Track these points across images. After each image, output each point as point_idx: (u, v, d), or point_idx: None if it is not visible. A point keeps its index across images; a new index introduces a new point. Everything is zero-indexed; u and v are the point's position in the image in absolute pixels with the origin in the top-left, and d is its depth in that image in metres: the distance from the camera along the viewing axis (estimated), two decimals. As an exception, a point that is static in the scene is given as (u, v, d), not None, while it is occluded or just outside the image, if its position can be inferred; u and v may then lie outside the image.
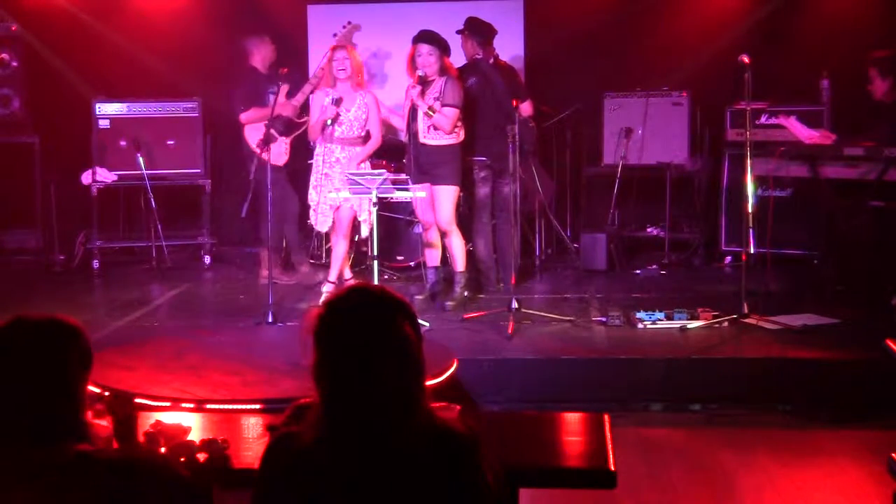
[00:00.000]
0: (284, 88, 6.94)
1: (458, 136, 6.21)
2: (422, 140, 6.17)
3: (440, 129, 6.10)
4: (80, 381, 2.11)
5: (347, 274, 6.51)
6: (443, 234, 6.29)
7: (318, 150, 6.38)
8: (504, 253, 6.79)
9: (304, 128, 7.01)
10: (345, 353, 1.93)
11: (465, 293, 6.32)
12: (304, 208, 7.91)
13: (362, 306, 1.97)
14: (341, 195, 6.05)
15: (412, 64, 6.15)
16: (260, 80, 7.28)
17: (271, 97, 7.05)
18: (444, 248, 6.41)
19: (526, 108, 6.87)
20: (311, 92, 6.80)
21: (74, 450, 1.98)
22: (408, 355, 1.95)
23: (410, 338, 1.95)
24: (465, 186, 6.57)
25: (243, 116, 7.16)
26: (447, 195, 6.18)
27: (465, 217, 6.74)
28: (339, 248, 6.33)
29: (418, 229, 7.05)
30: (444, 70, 6.15)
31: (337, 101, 6.20)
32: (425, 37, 6.15)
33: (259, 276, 7.21)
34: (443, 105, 6.06)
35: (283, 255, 7.47)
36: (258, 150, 6.76)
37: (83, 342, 2.13)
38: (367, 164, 6.42)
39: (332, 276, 6.34)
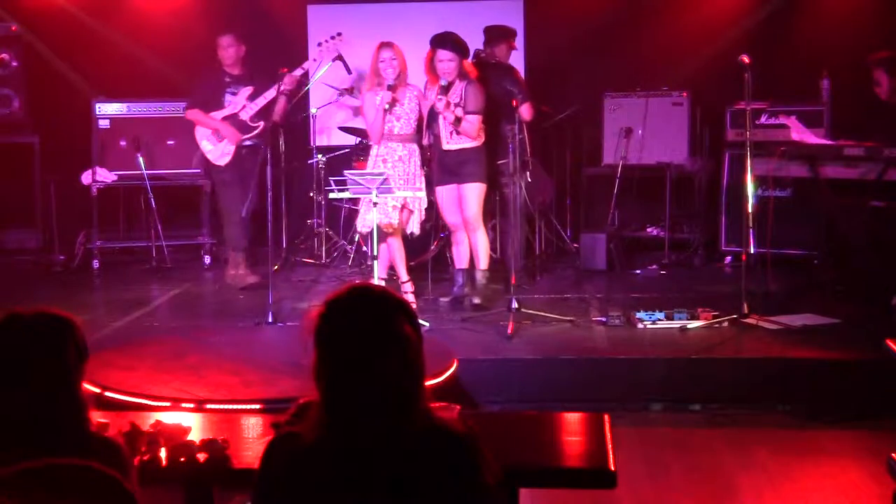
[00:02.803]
0: (246, 91, 6.89)
1: (481, 137, 6.18)
2: (445, 147, 6.13)
3: (466, 135, 6.07)
4: (78, 374, 2.10)
5: (405, 276, 6.33)
6: (469, 232, 6.27)
7: (375, 151, 6.21)
8: (506, 253, 6.80)
9: (254, 132, 6.91)
10: (344, 352, 1.94)
11: (488, 287, 6.31)
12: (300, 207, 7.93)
13: (362, 306, 1.97)
14: (402, 194, 6.02)
15: (431, 66, 6.09)
16: (220, 79, 7.08)
17: (229, 97, 6.98)
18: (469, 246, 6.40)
19: (524, 112, 6.86)
20: (279, 98, 6.78)
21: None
22: (408, 355, 1.95)
23: (410, 337, 1.95)
24: None
25: (188, 114, 7.07)
26: (475, 192, 6.16)
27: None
28: (400, 247, 6.25)
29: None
30: (463, 74, 6.09)
31: (391, 88, 6.05)
32: (445, 42, 6.04)
33: (226, 276, 7.16)
34: (465, 113, 6.02)
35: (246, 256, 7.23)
36: (205, 153, 6.93)
37: (78, 334, 2.12)
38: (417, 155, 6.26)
39: (403, 275, 6.28)
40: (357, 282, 2.09)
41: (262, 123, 6.85)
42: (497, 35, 7.01)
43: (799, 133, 6.66)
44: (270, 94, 6.85)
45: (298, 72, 6.92)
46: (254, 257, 7.28)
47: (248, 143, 6.97)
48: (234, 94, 6.98)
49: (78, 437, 2.05)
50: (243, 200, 6.94)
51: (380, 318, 1.95)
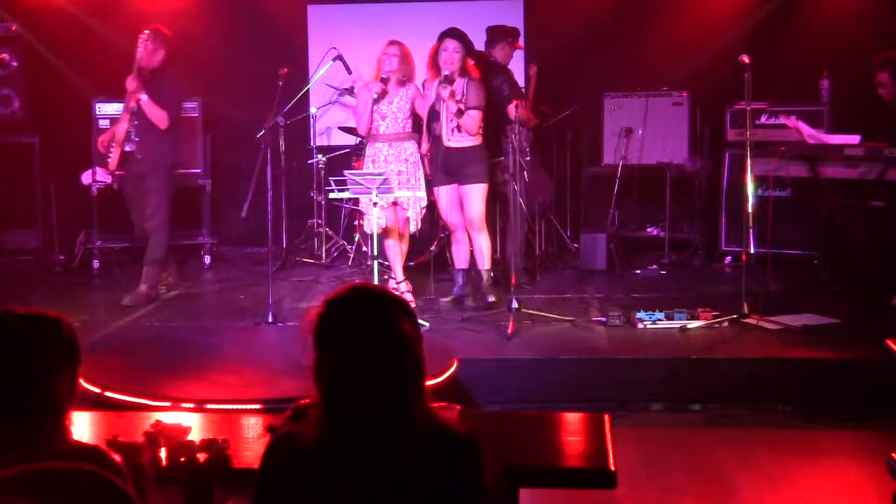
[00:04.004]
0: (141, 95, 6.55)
1: (481, 136, 6.21)
2: (446, 143, 6.14)
3: (466, 130, 6.09)
4: (63, 377, 2.06)
5: (400, 276, 6.38)
6: (472, 232, 6.28)
7: (367, 152, 6.31)
8: (505, 253, 6.81)
9: (120, 136, 6.59)
10: (344, 352, 1.93)
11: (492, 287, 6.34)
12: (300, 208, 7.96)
13: (362, 306, 1.97)
14: (397, 194, 6.04)
15: (434, 60, 6.12)
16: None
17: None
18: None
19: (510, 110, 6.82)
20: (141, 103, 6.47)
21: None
22: (407, 355, 1.95)
23: (410, 337, 1.95)
24: None
25: None
26: (478, 194, 6.18)
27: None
28: (397, 247, 6.30)
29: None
30: (465, 71, 6.12)
31: (385, 80, 6.11)
32: (453, 33, 6.12)
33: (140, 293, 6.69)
34: (466, 108, 6.04)
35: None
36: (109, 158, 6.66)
37: (64, 335, 2.10)
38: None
39: (400, 276, 6.34)
40: (357, 281, 2.09)
41: (124, 129, 6.58)
42: (497, 35, 7.03)
43: (807, 132, 6.60)
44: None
45: (132, 83, 6.50)
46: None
47: (127, 148, 6.64)
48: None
49: (54, 444, 2.01)
50: (138, 209, 6.69)
51: (379, 317, 1.95)
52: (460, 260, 6.45)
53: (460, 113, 6.01)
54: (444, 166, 6.18)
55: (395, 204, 6.17)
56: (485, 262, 6.32)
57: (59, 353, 2.08)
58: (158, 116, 6.54)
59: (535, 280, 7.16)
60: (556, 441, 2.89)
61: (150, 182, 6.64)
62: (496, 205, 7.07)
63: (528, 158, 6.82)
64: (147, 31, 6.68)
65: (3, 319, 2.07)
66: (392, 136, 6.21)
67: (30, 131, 8.24)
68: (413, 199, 6.19)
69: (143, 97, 6.49)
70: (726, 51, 6.96)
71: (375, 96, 6.11)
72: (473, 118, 6.08)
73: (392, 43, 6.22)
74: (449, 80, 6.04)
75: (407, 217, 6.24)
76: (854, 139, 6.37)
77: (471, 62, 6.19)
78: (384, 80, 6.11)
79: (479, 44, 6.99)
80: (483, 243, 6.28)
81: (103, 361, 4.51)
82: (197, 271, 8.00)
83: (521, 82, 7.51)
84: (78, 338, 2.13)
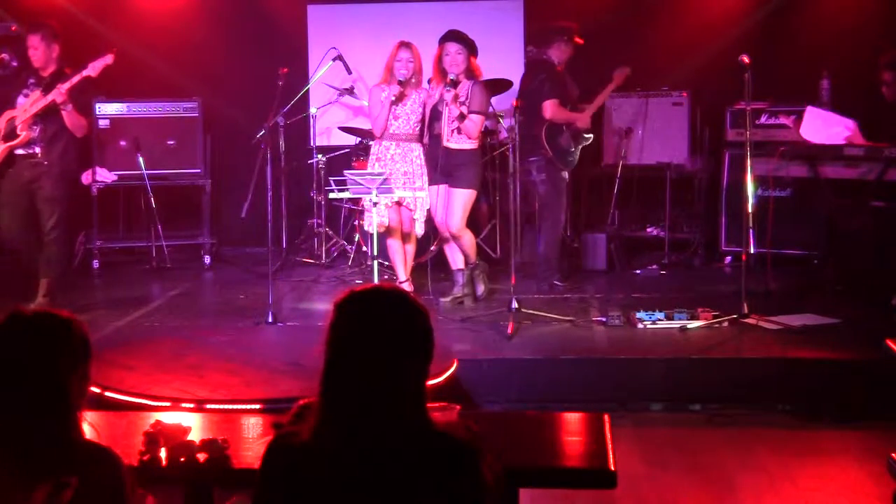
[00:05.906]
0: (35, 95, 6.15)
1: (479, 140, 6.22)
2: (445, 143, 6.15)
3: (467, 134, 6.10)
4: (75, 377, 2.08)
5: (403, 276, 6.39)
6: (453, 239, 6.29)
7: (373, 150, 6.33)
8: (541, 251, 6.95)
9: (17, 140, 6.07)
10: (346, 351, 1.94)
11: (482, 286, 6.42)
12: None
13: (373, 307, 1.98)
14: (398, 194, 6.05)
15: (439, 64, 6.13)
16: (24, 79, 6.39)
17: (21, 99, 6.25)
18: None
19: (545, 108, 6.73)
20: (63, 108, 6.01)
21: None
22: (422, 360, 1.96)
23: (428, 343, 1.96)
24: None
25: None
26: (462, 198, 6.17)
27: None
28: (399, 247, 6.31)
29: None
30: (470, 72, 6.13)
31: (402, 84, 6.12)
32: (453, 36, 6.13)
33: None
34: (469, 111, 6.04)
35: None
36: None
37: (77, 335, 2.10)
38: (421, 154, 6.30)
39: (402, 276, 6.36)
40: (378, 283, 2.10)
41: (26, 133, 6.08)
42: (550, 34, 6.93)
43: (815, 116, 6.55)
44: (41, 103, 6.07)
45: (67, 85, 6.04)
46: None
47: (20, 151, 6.15)
48: (26, 96, 6.28)
49: (65, 445, 2.02)
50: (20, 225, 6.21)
51: (398, 320, 1.96)
52: (454, 261, 6.46)
53: (462, 117, 6.01)
54: (437, 166, 6.19)
55: (399, 204, 6.17)
56: (470, 257, 6.34)
57: (72, 352, 2.09)
58: (80, 125, 6.18)
59: (568, 280, 7.03)
60: (556, 441, 2.89)
61: (52, 191, 6.17)
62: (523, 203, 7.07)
63: (571, 159, 6.81)
64: (32, 36, 6.31)
65: (14, 320, 2.07)
66: (401, 136, 6.21)
67: (29, 131, 8.22)
68: (419, 201, 6.18)
69: (69, 107, 6.08)
70: (726, 51, 6.95)
71: (394, 98, 6.10)
72: (475, 122, 6.08)
73: (404, 46, 6.16)
74: (454, 84, 6.05)
75: (412, 218, 6.23)
76: (850, 124, 6.36)
77: (475, 63, 6.18)
78: (402, 84, 6.11)
79: (483, 45, 6.97)
80: (465, 242, 6.28)
81: (103, 361, 4.52)
82: (197, 271, 7.99)
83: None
84: (88, 336, 2.14)
